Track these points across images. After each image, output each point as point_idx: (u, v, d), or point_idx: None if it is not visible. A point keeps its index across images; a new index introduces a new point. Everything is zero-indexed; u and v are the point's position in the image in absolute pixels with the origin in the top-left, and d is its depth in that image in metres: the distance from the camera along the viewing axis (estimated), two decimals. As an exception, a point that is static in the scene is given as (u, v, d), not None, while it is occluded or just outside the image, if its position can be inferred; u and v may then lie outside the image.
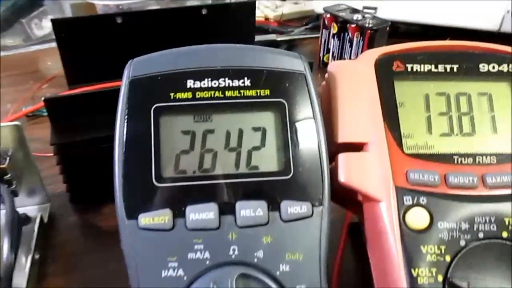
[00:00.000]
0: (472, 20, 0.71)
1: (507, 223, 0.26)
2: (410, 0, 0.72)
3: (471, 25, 0.71)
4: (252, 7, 0.64)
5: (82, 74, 0.60)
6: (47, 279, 0.38)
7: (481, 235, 0.26)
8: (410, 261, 0.26)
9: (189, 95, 0.27)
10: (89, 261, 0.39)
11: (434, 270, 0.25)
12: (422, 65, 0.31)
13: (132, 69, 0.27)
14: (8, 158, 0.38)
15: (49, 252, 0.40)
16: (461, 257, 0.26)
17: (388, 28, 0.60)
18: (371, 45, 0.59)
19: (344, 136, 0.29)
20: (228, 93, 0.27)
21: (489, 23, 0.70)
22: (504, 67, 0.31)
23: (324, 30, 0.65)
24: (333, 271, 0.37)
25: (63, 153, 0.41)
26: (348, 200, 0.30)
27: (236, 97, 0.27)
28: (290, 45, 0.76)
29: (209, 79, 0.27)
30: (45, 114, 0.42)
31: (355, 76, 0.30)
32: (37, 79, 0.67)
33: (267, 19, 0.85)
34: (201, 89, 0.27)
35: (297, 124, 0.27)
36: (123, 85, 0.27)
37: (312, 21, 0.82)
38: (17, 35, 0.74)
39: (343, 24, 0.62)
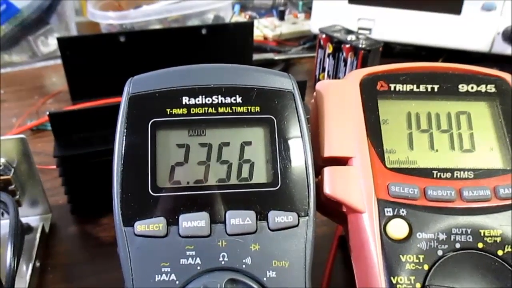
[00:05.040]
0: (464, 42, 0.73)
1: (482, 234, 0.28)
2: (404, 21, 0.74)
3: (463, 46, 0.73)
4: (250, 27, 0.67)
5: (85, 90, 0.63)
6: (47, 287, 0.39)
7: (457, 245, 0.28)
8: (390, 269, 0.27)
9: (184, 111, 0.29)
10: (88, 270, 0.41)
11: (412, 278, 0.27)
12: (405, 85, 0.32)
13: (132, 86, 0.29)
14: (12, 170, 0.40)
15: (50, 261, 0.41)
16: (439, 266, 0.27)
17: (380, 49, 0.62)
18: (364, 64, 0.61)
19: (330, 150, 0.30)
20: (220, 110, 0.29)
21: (480, 45, 0.73)
22: (482, 88, 0.33)
23: (319, 49, 0.68)
24: (322, 282, 0.38)
25: (65, 165, 0.43)
26: (333, 211, 0.32)
27: (228, 113, 0.29)
28: (287, 64, 0.78)
29: (203, 96, 0.29)
30: (49, 128, 0.44)
31: (341, 95, 0.32)
32: (42, 94, 0.69)
33: (265, 38, 0.87)
34: (195, 106, 0.29)
35: (285, 139, 0.29)
36: (123, 101, 0.29)
37: (309, 40, 0.84)
38: (23, 52, 0.76)
39: (338, 44, 0.64)
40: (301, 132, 0.29)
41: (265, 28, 0.89)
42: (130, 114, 0.29)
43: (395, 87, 0.32)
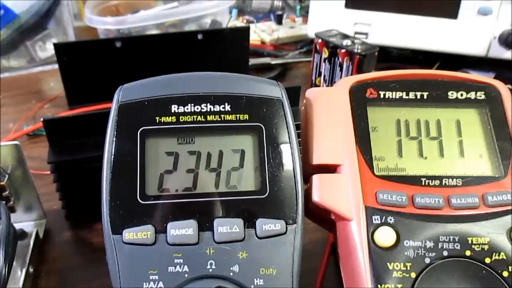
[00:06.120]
0: (460, 46, 0.73)
1: (470, 242, 0.28)
2: (401, 26, 0.74)
3: (459, 51, 0.73)
4: (246, 32, 0.67)
5: (82, 95, 0.63)
6: (40, 293, 0.39)
7: (445, 253, 0.28)
8: (378, 277, 0.27)
9: (173, 119, 0.29)
10: (82, 276, 0.41)
11: (400, 286, 0.27)
12: (394, 92, 0.33)
13: (121, 94, 0.30)
14: (7, 176, 0.40)
15: (43, 267, 0.41)
16: (426, 274, 0.27)
17: (376, 54, 0.62)
18: (359, 69, 0.61)
19: (318, 158, 0.30)
20: (209, 118, 0.29)
21: (477, 49, 0.72)
22: (472, 95, 0.33)
23: (316, 54, 0.68)
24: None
25: (60, 171, 0.43)
26: (322, 218, 0.32)
27: (217, 121, 0.29)
28: (284, 68, 0.78)
29: (192, 104, 0.29)
30: (45, 133, 0.44)
31: (330, 102, 0.32)
32: (39, 99, 0.70)
33: (263, 42, 0.87)
34: (184, 114, 0.29)
35: (273, 146, 0.29)
36: (113, 109, 0.29)
37: (306, 45, 0.84)
38: (21, 56, 0.77)
39: (334, 49, 0.64)
40: (289, 139, 0.29)
41: (262, 32, 0.89)
42: (120, 122, 0.29)
43: (384, 94, 0.32)
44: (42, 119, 0.42)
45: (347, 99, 0.32)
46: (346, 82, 0.33)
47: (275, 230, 0.27)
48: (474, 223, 0.28)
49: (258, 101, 0.30)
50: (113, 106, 0.29)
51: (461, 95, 0.33)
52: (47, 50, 0.77)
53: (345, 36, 0.65)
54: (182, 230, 0.27)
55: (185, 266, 0.27)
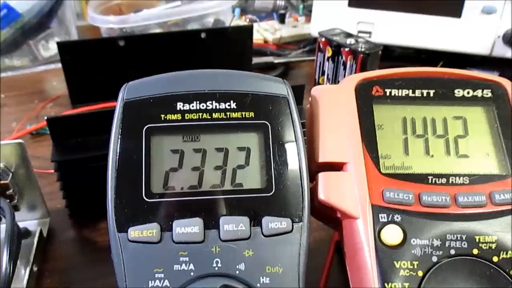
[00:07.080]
0: (464, 45, 0.73)
1: (477, 241, 0.28)
2: (404, 25, 0.74)
3: (463, 50, 0.73)
4: (249, 31, 0.67)
5: (85, 94, 0.63)
6: (44, 291, 0.39)
7: (452, 252, 0.28)
8: (384, 275, 0.27)
9: (178, 116, 0.29)
10: (86, 275, 0.41)
11: (406, 284, 0.27)
12: (400, 90, 0.32)
13: (126, 92, 0.29)
14: (11, 174, 0.40)
15: (47, 265, 0.41)
16: (433, 272, 0.27)
17: (380, 52, 0.62)
18: (363, 68, 0.61)
19: (324, 156, 0.30)
20: (215, 115, 0.29)
21: (480, 48, 0.72)
22: (478, 93, 0.33)
23: (319, 53, 0.68)
24: (319, 286, 0.38)
25: (63, 170, 0.43)
26: (328, 217, 0.32)
27: (222, 119, 0.29)
28: (287, 68, 0.78)
29: (198, 102, 0.29)
30: (48, 132, 0.44)
31: (336, 100, 0.32)
32: (42, 99, 0.69)
33: (266, 41, 0.87)
34: (189, 111, 0.29)
35: (279, 144, 0.29)
36: (118, 107, 0.29)
37: (309, 44, 0.84)
38: (24, 56, 0.77)
39: (337, 48, 0.64)
40: (295, 137, 0.29)
41: (265, 32, 0.89)
42: (125, 120, 0.29)
43: (390, 92, 0.32)
44: (46, 118, 0.42)
45: (352, 97, 0.32)
46: (351, 80, 0.33)
47: (281, 228, 0.27)
48: (481, 221, 0.28)
49: (264, 98, 0.30)
50: (118, 104, 0.29)
51: (468, 93, 0.33)
52: (50, 49, 0.77)
53: (349, 35, 0.65)
54: (188, 228, 0.27)
55: (191, 265, 0.26)
